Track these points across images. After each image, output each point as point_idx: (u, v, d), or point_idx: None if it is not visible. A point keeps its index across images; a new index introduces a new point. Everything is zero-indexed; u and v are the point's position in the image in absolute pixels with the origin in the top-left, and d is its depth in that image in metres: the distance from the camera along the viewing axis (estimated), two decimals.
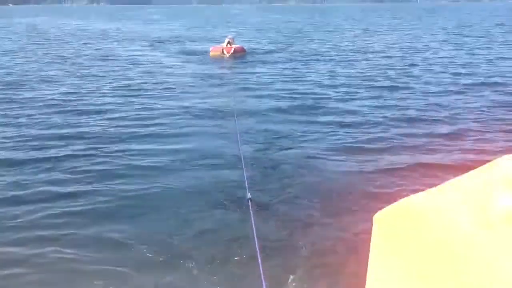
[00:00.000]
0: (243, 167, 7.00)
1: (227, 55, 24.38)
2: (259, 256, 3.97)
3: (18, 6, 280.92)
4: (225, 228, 6.24)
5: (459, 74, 18.39)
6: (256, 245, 4.26)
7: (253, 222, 4.80)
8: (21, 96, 14.70)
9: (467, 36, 36.71)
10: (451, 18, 76.33)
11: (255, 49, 29.25)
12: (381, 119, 11.62)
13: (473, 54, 25.15)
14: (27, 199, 7.18)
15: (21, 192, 7.44)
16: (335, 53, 26.85)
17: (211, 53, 25.33)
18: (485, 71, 19.16)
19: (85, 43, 34.66)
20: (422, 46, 29.59)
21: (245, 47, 26.45)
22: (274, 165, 8.50)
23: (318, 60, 23.97)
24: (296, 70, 20.51)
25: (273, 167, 8.37)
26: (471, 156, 8.53)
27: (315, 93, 15.23)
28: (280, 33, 46.72)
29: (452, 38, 35.34)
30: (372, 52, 27.07)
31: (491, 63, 21.45)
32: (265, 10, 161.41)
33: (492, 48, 28.20)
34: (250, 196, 5.52)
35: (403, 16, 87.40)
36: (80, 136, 10.37)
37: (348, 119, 11.82)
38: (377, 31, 46.07)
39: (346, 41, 34.95)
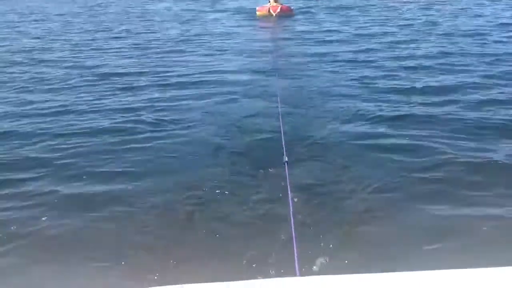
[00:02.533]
0: (281, 130, 6.67)
1: (274, 14, 23.94)
2: (292, 225, 3.72)
3: None
4: (259, 190, 5.93)
5: None
6: (291, 210, 4.05)
7: (288, 186, 4.65)
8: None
9: None
10: None
11: (302, 8, 27.96)
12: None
13: None
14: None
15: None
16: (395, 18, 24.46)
17: (257, 13, 24.90)
18: None
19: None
20: None
21: (291, 7, 25.51)
22: (314, 132, 7.83)
23: (369, 19, 22.06)
24: (346, 29, 19.18)
25: (313, 135, 7.72)
26: None
27: (370, 61, 13.06)
28: None
29: None
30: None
31: None
32: None
33: None
34: (287, 159, 5.31)
35: None
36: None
37: (411, 98, 9.64)
38: None
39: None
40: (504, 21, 19.07)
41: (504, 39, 15.22)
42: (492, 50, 13.54)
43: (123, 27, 22.63)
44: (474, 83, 10.22)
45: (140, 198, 5.85)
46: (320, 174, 6.35)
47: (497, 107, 8.47)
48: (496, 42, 14.86)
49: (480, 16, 21.16)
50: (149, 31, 20.84)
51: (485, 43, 14.79)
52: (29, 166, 6.77)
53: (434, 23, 19.62)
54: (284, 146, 5.94)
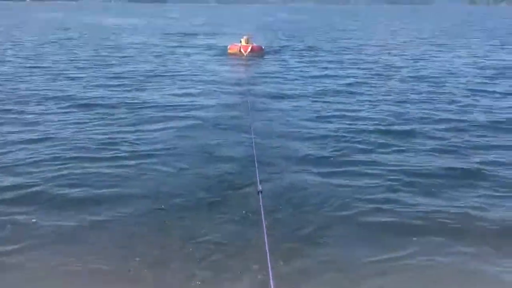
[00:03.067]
0: (255, 160, 6.93)
1: (245, 54, 24.27)
2: (267, 252, 3.86)
3: (35, 2, 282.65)
4: (233, 221, 6.03)
5: None
6: (265, 240, 4.13)
7: (262, 215, 4.74)
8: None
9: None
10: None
11: (272, 47, 29.35)
12: (407, 127, 10.77)
13: None
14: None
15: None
16: (356, 52, 26.87)
17: (229, 51, 25.40)
18: None
19: (109, 37, 35.57)
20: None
21: (262, 46, 26.25)
22: (287, 161, 8.26)
23: (333, 60, 23.88)
24: (312, 70, 20.31)
25: (286, 163, 8.15)
26: None
27: (334, 92, 14.97)
28: (296, 32, 47.33)
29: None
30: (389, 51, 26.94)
31: None
32: (282, 10, 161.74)
33: None
34: (260, 189, 5.36)
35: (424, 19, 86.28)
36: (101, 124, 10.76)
37: (371, 125, 10.89)
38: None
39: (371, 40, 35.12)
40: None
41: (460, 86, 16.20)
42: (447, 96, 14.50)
43: (99, 58, 23.26)
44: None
45: (113, 222, 6.01)
46: (293, 203, 6.56)
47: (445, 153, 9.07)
48: (450, 88, 15.76)
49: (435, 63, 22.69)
50: (124, 63, 21.42)
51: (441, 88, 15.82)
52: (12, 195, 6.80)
53: (395, 67, 21.03)
54: (258, 176, 6.11)
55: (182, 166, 7.95)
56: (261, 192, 5.33)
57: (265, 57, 24.89)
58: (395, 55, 25.99)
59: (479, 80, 17.38)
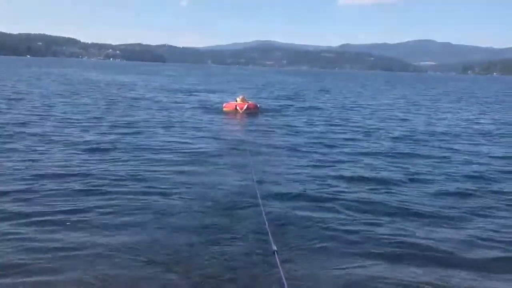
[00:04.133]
0: (265, 220, 6.74)
1: (241, 112, 24.27)
2: None
3: (34, 58, 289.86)
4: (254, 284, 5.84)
5: None
6: None
7: (282, 275, 4.54)
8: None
9: None
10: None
11: (268, 106, 29.69)
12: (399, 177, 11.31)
13: None
14: None
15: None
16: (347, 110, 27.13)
17: (224, 109, 25.37)
18: None
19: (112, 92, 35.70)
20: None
21: (258, 104, 26.38)
22: (296, 218, 8.07)
23: (323, 117, 24.11)
24: (309, 130, 19.87)
25: (296, 220, 7.95)
26: None
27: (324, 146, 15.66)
28: (289, 92, 48.78)
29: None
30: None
31: None
32: (280, 72, 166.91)
33: None
34: (275, 248, 5.17)
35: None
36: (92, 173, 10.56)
37: (365, 173, 11.65)
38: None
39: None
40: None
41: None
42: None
43: (103, 109, 23.70)
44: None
45: (123, 253, 6.34)
46: (313, 259, 6.48)
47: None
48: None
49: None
50: (125, 115, 21.63)
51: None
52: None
53: (378, 127, 21.39)
54: (269, 234, 5.87)
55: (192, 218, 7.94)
56: (277, 251, 5.12)
57: (260, 114, 24.90)
58: (379, 116, 26.74)
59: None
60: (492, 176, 11.78)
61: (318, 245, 6.90)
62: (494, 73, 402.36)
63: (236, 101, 25.52)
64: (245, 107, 24.52)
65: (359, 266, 6.32)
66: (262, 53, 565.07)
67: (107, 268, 5.88)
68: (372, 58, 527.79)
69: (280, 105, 31.27)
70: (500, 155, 14.91)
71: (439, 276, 6.06)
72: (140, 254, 6.32)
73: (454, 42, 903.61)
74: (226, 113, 24.71)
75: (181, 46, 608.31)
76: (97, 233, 6.94)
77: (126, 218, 7.65)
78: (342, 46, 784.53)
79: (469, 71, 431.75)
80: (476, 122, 25.01)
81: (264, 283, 5.75)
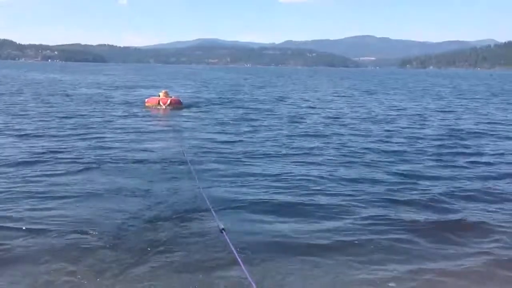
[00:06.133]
0: (207, 200, 6.91)
1: (164, 106, 24.13)
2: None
3: None
4: (205, 262, 5.93)
5: None
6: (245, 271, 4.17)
7: (234, 251, 4.64)
8: None
9: None
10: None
11: (195, 101, 30.11)
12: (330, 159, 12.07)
13: None
14: None
15: None
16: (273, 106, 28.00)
17: (146, 104, 25.12)
18: None
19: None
20: None
21: (181, 99, 26.39)
22: (236, 197, 8.53)
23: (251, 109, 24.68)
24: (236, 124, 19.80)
25: (236, 199, 8.41)
26: None
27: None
28: (220, 87, 49.57)
29: None
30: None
31: None
32: (219, 70, 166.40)
33: None
34: (223, 226, 5.28)
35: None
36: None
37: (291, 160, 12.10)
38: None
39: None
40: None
41: None
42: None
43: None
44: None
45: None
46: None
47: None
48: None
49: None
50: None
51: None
52: None
53: (306, 114, 22.36)
54: (214, 215, 6.04)
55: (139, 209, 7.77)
56: (224, 229, 5.22)
57: (184, 109, 24.94)
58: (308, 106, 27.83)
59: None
60: None
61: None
62: (431, 67, 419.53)
63: (159, 96, 25.28)
64: (168, 101, 24.41)
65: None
66: (205, 51, 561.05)
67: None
68: (314, 54, 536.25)
69: (207, 99, 31.86)
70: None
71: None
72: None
73: (392, 37, 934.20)
74: (149, 108, 24.49)
75: (122, 45, 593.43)
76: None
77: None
78: (285, 42, 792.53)
79: (407, 65, 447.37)
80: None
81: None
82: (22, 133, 15.45)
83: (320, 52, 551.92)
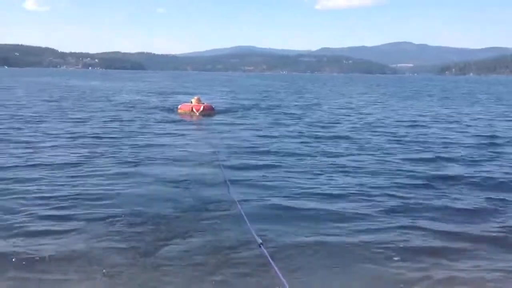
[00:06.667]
0: (244, 215, 6.77)
1: (197, 113, 23.85)
2: None
3: (12, 68, 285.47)
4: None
5: None
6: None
7: (273, 265, 4.58)
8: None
9: None
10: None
11: (229, 107, 30.21)
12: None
13: None
14: None
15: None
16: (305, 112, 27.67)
17: (179, 111, 25.03)
18: None
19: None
20: None
21: (213, 106, 26.22)
22: (274, 209, 8.11)
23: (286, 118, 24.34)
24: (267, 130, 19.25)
25: (275, 210, 8.01)
26: None
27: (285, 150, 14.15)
28: (255, 94, 49.84)
29: None
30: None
31: None
32: (255, 77, 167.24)
33: None
34: (261, 241, 5.20)
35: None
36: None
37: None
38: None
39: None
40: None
41: None
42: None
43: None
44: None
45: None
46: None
47: None
48: None
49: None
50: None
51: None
52: None
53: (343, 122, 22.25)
54: (252, 230, 5.92)
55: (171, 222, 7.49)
56: (262, 244, 5.17)
57: (217, 115, 24.80)
58: (346, 113, 27.44)
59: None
60: None
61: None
62: (471, 74, 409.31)
63: (191, 102, 25.15)
64: (201, 108, 24.12)
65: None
66: (241, 59, 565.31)
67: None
68: (351, 61, 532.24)
69: (242, 105, 31.79)
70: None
71: None
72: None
73: (430, 44, 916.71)
74: (182, 114, 24.37)
75: (159, 53, 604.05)
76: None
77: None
78: (321, 50, 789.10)
79: (446, 72, 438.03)
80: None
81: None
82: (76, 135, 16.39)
83: (356, 59, 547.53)
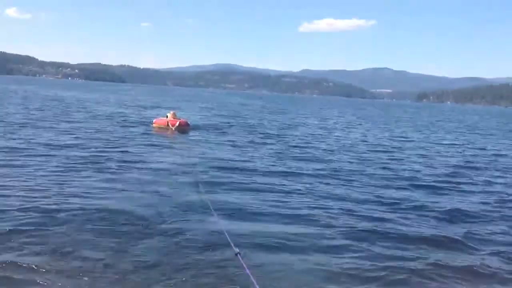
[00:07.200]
0: (221, 225, 7.05)
1: (173, 128, 23.81)
2: None
3: None
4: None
5: None
6: None
7: (249, 274, 4.71)
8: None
9: None
10: None
11: (206, 123, 30.42)
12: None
13: None
14: None
15: None
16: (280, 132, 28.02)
17: (154, 125, 24.89)
18: None
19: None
20: None
21: (189, 122, 26.14)
22: (252, 219, 8.56)
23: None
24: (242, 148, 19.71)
25: (252, 221, 8.44)
26: None
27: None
28: (233, 112, 50.29)
29: None
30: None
31: None
32: (236, 95, 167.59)
33: None
34: (238, 251, 5.35)
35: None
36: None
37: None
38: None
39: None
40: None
41: None
42: None
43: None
44: None
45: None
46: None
47: None
48: None
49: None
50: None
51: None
52: None
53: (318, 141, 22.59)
54: (229, 239, 6.08)
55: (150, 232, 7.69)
56: (239, 253, 5.34)
57: (192, 131, 24.78)
58: (320, 134, 28.00)
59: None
60: None
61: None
62: (448, 102, 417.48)
63: (167, 117, 25.07)
64: (177, 124, 24.08)
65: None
66: (223, 76, 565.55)
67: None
68: (331, 84, 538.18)
69: (216, 123, 31.77)
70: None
71: None
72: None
73: (409, 71, 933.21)
74: (156, 129, 24.21)
75: (141, 67, 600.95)
76: None
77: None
78: (303, 71, 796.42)
79: (424, 99, 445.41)
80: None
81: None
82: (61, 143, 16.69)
83: (337, 82, 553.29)
